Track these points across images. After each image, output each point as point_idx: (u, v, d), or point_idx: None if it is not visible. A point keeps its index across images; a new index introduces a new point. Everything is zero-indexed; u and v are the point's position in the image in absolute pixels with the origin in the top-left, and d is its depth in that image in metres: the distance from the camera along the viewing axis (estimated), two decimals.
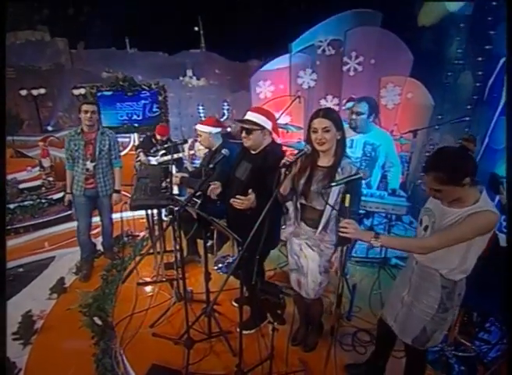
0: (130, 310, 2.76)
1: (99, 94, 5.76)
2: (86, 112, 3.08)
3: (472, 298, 2.02)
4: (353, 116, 2.70)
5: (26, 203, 4.37)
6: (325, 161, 1.96)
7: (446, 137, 4.59)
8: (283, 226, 2.53)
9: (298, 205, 2.03)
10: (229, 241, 3.32)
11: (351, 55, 4.84)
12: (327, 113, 1.85)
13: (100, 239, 3.77)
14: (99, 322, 2.62)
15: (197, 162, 5.46)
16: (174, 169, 3.34)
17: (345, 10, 5.00)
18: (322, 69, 5.18)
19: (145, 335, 2.51)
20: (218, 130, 2.86)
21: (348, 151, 2.56)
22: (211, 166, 2.14)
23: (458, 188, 1.46)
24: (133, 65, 8.22)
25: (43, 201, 4.54)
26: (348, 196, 1.53)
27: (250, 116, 2.21)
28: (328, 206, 1.91)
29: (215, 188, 2.20)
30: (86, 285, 3.33)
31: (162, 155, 4.23)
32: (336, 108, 5.30)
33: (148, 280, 3.20)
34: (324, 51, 5.11)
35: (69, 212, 4.64)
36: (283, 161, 1.77)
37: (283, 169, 1.78)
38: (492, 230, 1.50)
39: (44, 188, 4.75)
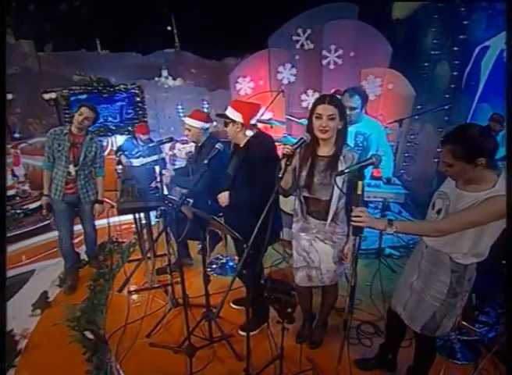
0: (123, 320, 2.56)
1: (73, 98, 5.44)
2: (81, 114, 2.87)
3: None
4: (348, 111, 2.63)
5: None
6: (325, 150, 1.88)
7: (427, 126, 4.64)
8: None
9: (302, 199, 1.93)
10: (221, 241, 3.19)
11: (330, 48, 4.80)
12: (333, 100, 1.76)
13: (83, 248, 3.53)
14: (91, 336, 2.42)
15: (178, 163, 5.29)
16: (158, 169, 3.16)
17: (320, 4, 4.96)
18: (302, 64, 5.13)
19: (142, 346, 2.33)
20: (208, 125, 2.73)
21: None
22: (205, 161, 2.01)
23: (470, 167, 1.40)
24: (106, 66, 7.84)
25: (18, 211, 4.21)
26: (360, 183, 1.44)
27: (227, 110, 2.18)
28: (334, 197, 1.83)
29: (223, 197, 2.11)
30: (72, 298, 3.09)
31: (145, 156, 4.04)
32: None
33: (138, 287, 3.01)
34: (302, 45, 5.05)
35: (47, 222, 4.35)
36: (284, 151, 1.66)
37: (284, 160, 1.68)
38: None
39: (18, 198, 4.41)
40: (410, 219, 3.78)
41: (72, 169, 2.97)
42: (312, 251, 2.01)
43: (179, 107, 5.62)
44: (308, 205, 1.95)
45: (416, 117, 4.62)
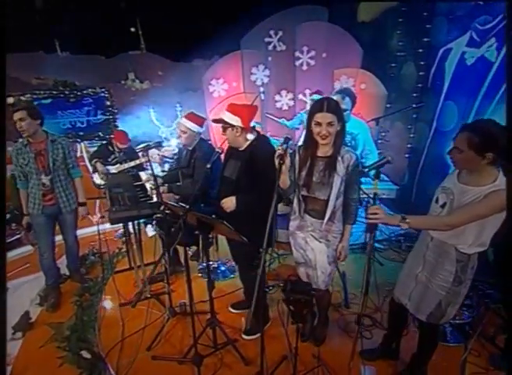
0: (119, 335, 2.43)
1: (36, 102, 5.06)
2: (20, 119, 2.60)
3: None
4: None
5: None
6: (324, 151, 1.91)
7: (396, 124, 4.86)
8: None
9: (300, 197, 1.94)
10: (212, 246, 3.12)
11: (303, 49, 4.87)
12: (331, 106, 1.78)
13: (63, 261, 3.30)
14: (87, 355, 2.26)
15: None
16: (144, 175, 3.03)
17: (291, 6, 5.01)
18: (275, 65, 5.14)
19: (144, 360, 2.23)
20: (203, 130, 2.65)
21: None
22: (208, 165, 1.94)
23: (477, 159, 1.48)
24: (67, 69, 7.37)
25: None
26: (376, 181, 1.47)
27: (223, 115, 2.14)
28: (332, 196, 1.86)
29: (229, 201, 2.06)
30: (55, 316, 2.88)
31: (121, 162, 3.85)
32: (291, 103, 5.33)
33: (129, 299, 2.86)
34: (275, 47, 5.07)
35: (17, 237, 4.02)
36: (277, 152, 1.65)
37: (277, 161, 1.67)
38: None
39: None
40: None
41: (45, 179, 2.77)
42: (308, 249, 2.04)
43: (151, 110, 5.41)
44: (306, 203, 1.97)
45: (385, 115, 4.83)
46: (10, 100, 6.09)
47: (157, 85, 7.53)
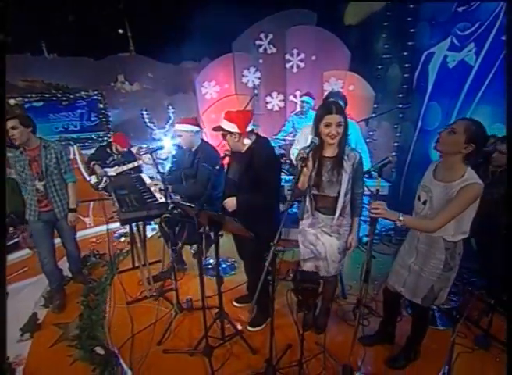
0: (129, 332, 2.52)
1: (27, 105, 5.05)
2: (13, 128, 2.59)
3: None
4: None
5: None
6: (330, 152, 2.05)
7: (383, 123, 5.07)
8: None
9: (311, 196, 2.09)
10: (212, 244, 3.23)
11: (293, 52, 5.04)
12: (339, 109, 1.94)
13: (64, 262, 3.34)
14: (101, 351, 2.34)
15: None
16: (147, 178, 3.11)
17: (279, 10, 5.15)
18: (266, 67, 5.30)
19: (155, 354, 2.33)
20: (198, 128, 2.76)
21: None
22: (217, 167, 2.06)
23: (462, 145, 1.68)
24: (55, 72, 7.28)
25: None
26: (379, 179, 1.63)
27: (221, 123, 2.25)
28: (342, 193, 2.01)
29: (230, 202, 2.18)
30: (62, 316, 2.94)
31: (120, 164, 3.93)
32: (282, 104, 5.49)
33: (136, 297, 2.96)
34: (265, 49, 5.22)
35: (15, 241, 4.02)
36: (300, 155, 1.79)
37: (300, 163, 1.81)
38: (478, 198, 1.73)
39: None
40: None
41: (38, 184, 2.77)
42: (319, 243, 2.19)
43: (144, 112, 5.46)
44: (317, 201, 2.12)
45: (373, 115, 5.04)
46: (12, 101, 6.05)
47: (147, 87, 7.53)
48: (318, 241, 2.18)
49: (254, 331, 2.50)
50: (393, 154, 2.02)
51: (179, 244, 2.68)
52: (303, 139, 3.05)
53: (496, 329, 2.57)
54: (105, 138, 5.69)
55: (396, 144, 4.90)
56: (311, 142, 1.86)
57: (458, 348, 2.42)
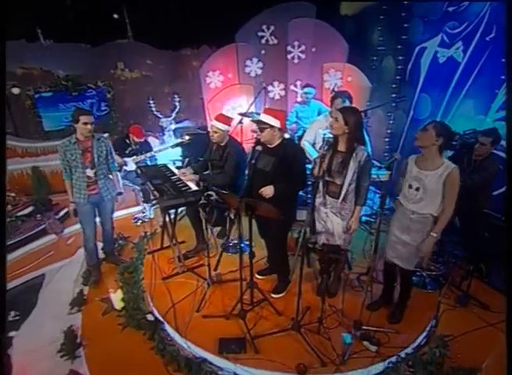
0: (169, 303, 2.95)
1: (37, 95, 5.20)
2: (85, 123, 2.97)
3: None
4: None
5: None
6: (342, 147, 2.47)
7: (377, 111, 5.46)
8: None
9: (324, 182, 2.52)
10: (234, 225, 3.65)
11: (294, 44, 5.33)
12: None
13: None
14: (151, 318, 2.78)
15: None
16: (173, 168, 3.47)
17: (280, 2, 5.37)
18: (267, 58, 5.57)
19: (196, 319, 2.77)
20: (230, 128, 3.11)
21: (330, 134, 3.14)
22: (253, 161, 2.44)
23: (433, 139, 2.20)
24: (51, 59, 7.25)
25: (13, 219, 4.12)
26: (388, 173, 2.07)
27: (263, 117, 2.60)
28: (346, 182, 2.45)
29: (268, 189, 2.55)
30: (102, 292, 3.34)
31: (137, 154, 4.25)
32: (283, 93, 5.81)
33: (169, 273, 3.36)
34: (267, 41, 5.47)
35: (43, 226, 4.34)
36: (320, 152, 2.21)
37: (318, 160, 2.24)
38: None
39: (9, 206, 4.27)
40: None
41: (90, 172, 3.15)
42: (328, 221, 2.65)
43: (151, 101, 5.69)
44: (328, 186, 2.57)
45: (368, 103, 5.44)
46: (16, 91, 6.14)
47: (146, 74, 7.64)
48: (328, 218, 2.64)
49: (277, 298, 2.98)
50: (398, 153, 2.46)
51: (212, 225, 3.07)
52: (312, 132, 3.45)
53: (473, 290, 3.16)
54: (114, 127, 5.91)
55: (388, 131, 5.34)
56: (327, 141, 2.27)
57: (443, 306, 3.00)
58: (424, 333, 2.74)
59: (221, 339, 2.55)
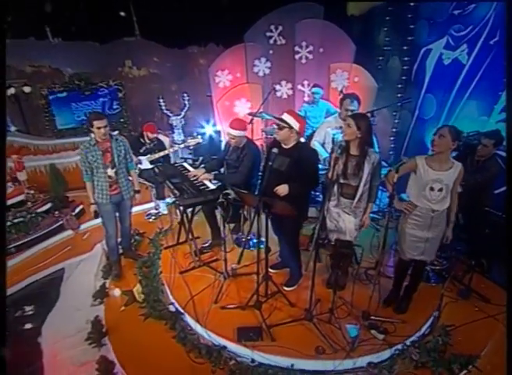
0: (187, 295, 3.16)
1: (51, 97, 5.38)
2: (99, 128, 3.13)
3: None
4: (348, 113, 3.37)
5: (16, 221, 4.12)
6: (354, 150, 2.66)
7: (383, 110, 5.63)
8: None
9: (339, 184, 2.72)
10: (247, 221, 3.86)
11: (302, 44, 5.49)
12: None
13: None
14: (173, 309, 3.00)
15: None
16: (189, 167, 3.66)
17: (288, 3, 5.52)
18: (275, 58, 5.74)
19: (214, 310, 2.99)
20: (245, 132, 3.30)
21: (340, 135, 3.33)
22: (270, 163, 2.62)
23: (450, 143, 2.44)
24: (60, 56, 7.40)
25: (33, 215, 4.33)
26: (396, 175, 2.27)
27: (285, 116, 2.76)
28: (362, 183, 2.65)
29: (283, 188, 2.73)
30: (123, 285, 3.56)
31: (151, 152, 4.45)
32: (290, 92, 5.98)
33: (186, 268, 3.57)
34: (275, 41, 5.64)
35: (61, 223, 4.55)
36: (333, 156, 2.41)
37: (332, 162, 2.44)
38: None
39: (29, 203, 4.47)
40: None
41: (111, 172, 3.32)
42: (340, 220, 2.85)
43: (161, 100, 5.87)
44: (342, 188, 2.76)
45: (377, 108, 5.60)
46: (12, 91, 6.33)
47: (154, 72, 7.80)
48: (340, 218, 2.84)
49: (289, 290, 3.19)
50: (405, 158, 2.71)
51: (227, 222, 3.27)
52: (322, 132, 3.63)
53: (475, 284, 3.36)
54: (125, 126, 6.09)
55: (394, 129, 5.53)
56: (339, 144, 2.47)
57: (446, 298, 3.22)
58: (428, 323, 2.96)
59: (239, 328, 2.77)
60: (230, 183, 3.24)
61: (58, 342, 3.06)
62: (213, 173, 3.44)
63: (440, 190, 2.51)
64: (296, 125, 2.73)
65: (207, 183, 3.26)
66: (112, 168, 3.33)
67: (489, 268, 3.58)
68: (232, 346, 2.71)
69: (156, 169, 3.59)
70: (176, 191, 3.06)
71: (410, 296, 2.99)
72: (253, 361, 2.60)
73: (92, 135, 3.29)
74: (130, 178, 3.56)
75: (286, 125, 2.72)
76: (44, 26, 7.65)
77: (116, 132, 5.97)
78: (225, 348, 2.70)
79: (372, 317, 2.81)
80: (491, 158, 3.30)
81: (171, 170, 3.54)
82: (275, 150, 2.67)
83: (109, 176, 3.33)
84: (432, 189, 2.55)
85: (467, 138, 3.47)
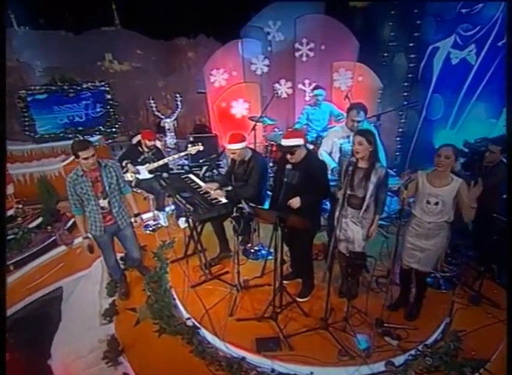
0: (201, 309, 3.66)
1: (30, 98, 5.74)
2: (86, 158, 3.22)
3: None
4: (355, 124, 3.92)
5: (8, 238, 4.48)
6: (362, 164, 3.22)
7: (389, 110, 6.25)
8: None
9: (346, 195, 3.26)
10: (255, 232, 4.38)
11: (302, 41, 6.00)
12: (360, 132, 3.18)
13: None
14: (190, 323, 3.50)
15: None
16: (197, 179, 4.15)
17: None
18: (274, 55, 6.22)
19: (231, 323, 3.49)
20: (246, 142, 3.79)
21: (347, 145, 3.91)
22: (285, 179, 3.14)
23: (453, 162, 3.03)
24: (28, 48, 7.39)
25: (25, 231, 4.70)
26: (405, 192, 2.83)
27: (288, 142, 3.22)
28: (368, 194, 3.20)
29: (295, 201, 3.25)
30: (131, 303, 4.04)
31: (150, 162, 4.92)
32: (290, 91, 6.50)
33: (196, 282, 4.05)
34: (274, 37, 6.12)
35: (54, 238, 4.96)
36: (344, 169, 2.99)
37: (342, 178, 3.02)
38: None
39: (19, 218, 4.85)
40: None
41: (103, 202, 3.51)
42: (348, 229, 3.39)
43: (152, 101, 6.31)
44: (349, 199, 3.30)
45: (378, 100, 6.21)
46: None
47: (136, 65, 8.10)
48: (348, 227, 3.38)
49: (302, 301, 3.73)
50: (407, 170, 3.32)
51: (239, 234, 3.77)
52: (329, 142, 4.18)
53: (485, 290, 3.94)
54: (113, 129, 6.48)
55: (400, 129, 6.13)
56: (351, 161, 3.03)
57: (457, 304, 3.80)
58: (440, 329, 3.53)
59: (257, 339, 3.29)
60: (241, 198, 3.75)
61: (71, 363, 3.52)
62: (224, 189, 3.90)
63: (436, 204, 3.08)
64: (300, 141, 3.23)
65: (218, 197, 3.76)
66: (105, 198, 3.50)
67: (500, 273, 4.18)
68: (252, 357, 3.23)
69: (162, 182, 4.04)
70: (189, 206, 3.54)
71: (419, 303, 3.55)
72: (273, 370, 3.13)
73: (78, 167, 3.37)
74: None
75: (295, 148, 3.21)
76: (8, 13, 7.79)
77: (99, 136, 6.39)
78: (244, 359, 3.22)
79: (385, 324, 3.38)
80: (498, 164, 3.88)
81: (178, 183, 4.00)
82: (289, 166, 3.20)
83: (102, 208, 3.52)
84: (428, 202, 3.12)
85: (474, 145, 4.06)
